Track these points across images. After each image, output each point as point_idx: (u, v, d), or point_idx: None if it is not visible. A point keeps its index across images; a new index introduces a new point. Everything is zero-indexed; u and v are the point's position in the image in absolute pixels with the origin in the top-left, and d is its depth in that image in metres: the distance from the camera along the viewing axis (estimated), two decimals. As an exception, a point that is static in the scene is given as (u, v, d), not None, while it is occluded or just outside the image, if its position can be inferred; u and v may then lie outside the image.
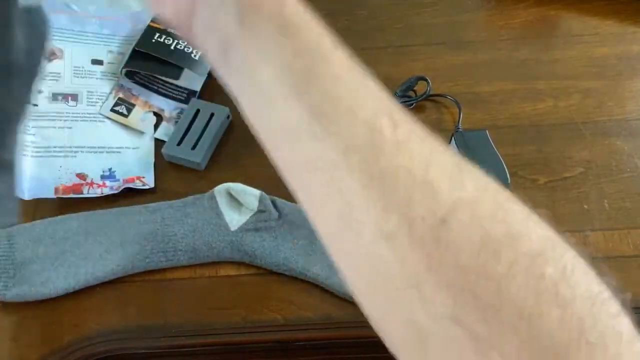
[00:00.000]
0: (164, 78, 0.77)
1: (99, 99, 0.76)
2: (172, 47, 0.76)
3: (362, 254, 0.27)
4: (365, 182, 0.26)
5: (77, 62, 0.78)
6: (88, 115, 0.74)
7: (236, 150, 0.72)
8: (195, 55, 0.76)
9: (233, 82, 0.30)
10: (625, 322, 0.25)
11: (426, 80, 0.74)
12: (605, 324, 0.24)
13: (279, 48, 0.28)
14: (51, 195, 0.67)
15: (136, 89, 0.77)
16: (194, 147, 0.70)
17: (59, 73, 0.77)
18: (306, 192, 0.29)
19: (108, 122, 0.74)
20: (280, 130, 0.29)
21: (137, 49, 0.76)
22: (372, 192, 0.26)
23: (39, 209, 0.68)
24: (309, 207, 0.29)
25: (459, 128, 0.70)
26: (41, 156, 0.69)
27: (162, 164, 0.71)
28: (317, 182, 0.28)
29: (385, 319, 0.27)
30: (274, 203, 0.64)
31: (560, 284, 0.24)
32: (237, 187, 0.65)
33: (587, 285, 0.25)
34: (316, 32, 0.29)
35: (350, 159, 0.26)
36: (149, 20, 0.79)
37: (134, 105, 0.76)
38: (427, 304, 0.25)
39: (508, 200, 0.27)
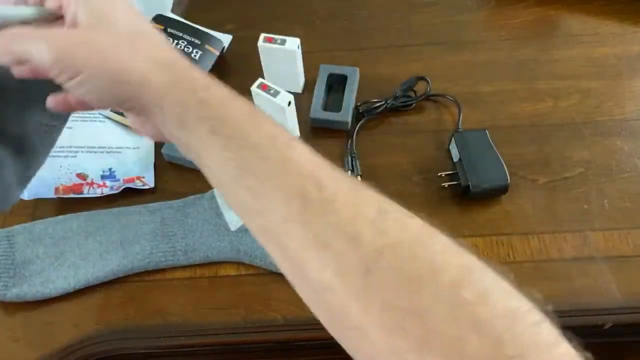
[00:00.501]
0: (164, 78, 0.77)
1: (99, 99, 0.76)
2: (172, 47, 0.76)
3: (316, 300, 0.32)
4: (304, 245, 0.30)
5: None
6: (88, 115, 0.74)
7: (236, 150, 0.72)
8: (195, 56, 0.76)
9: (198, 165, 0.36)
10: (546, 330, 0.27)
11: (426, 80, 0.74)
12: (524, 336, 0.26)
13: (212, 144, 0.34)
14: (51, 195, 0.67)
15: (136, 89, 0.77)
16: (194, 147, 0.70)
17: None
18: (270, 253, 0.34)
19: (108, 122, 0.74)
20: (235, 205, 0.35)
21: (137, 49, 0.76)
22: (311, 252, 0.30)
23: (39, 209, 0.68)
24: (276, 263, 0.34)
25: (459, 128, 0.70)
26: (41, 156, 0.69)
27: (162, 164, 0.71)
28: (272, 247, 0.33)
29: (347, 348, 0.32)
30: (274, 203, 0.64)
31: (477, 307, 0.27)
32: (237, 187, 0.65)
33: (505, 303, 0.27)
34: (240, 122, 0.34)
35: (289, 228, 0.31)
36: (149, 21, 0.79)
37: (134, 106, 0.76)
38: (370, 342, 0.28)
39: (429, 236, 0.30)
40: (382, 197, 0.32)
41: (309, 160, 0.33)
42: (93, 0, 0.37)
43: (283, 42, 0.70)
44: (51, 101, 0.41)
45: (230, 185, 0.34)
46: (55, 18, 0.39)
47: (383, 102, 0.73)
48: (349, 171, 0.69)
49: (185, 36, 0.77)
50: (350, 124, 0.72)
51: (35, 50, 0.35)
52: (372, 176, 0.68)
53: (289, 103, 0.66)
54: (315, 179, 0.31)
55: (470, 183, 0.64)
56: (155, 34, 0.38)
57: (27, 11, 0.37)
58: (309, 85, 0.76)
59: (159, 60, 0.36)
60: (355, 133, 0.71)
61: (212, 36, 0.79)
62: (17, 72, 0.38)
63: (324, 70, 0.74)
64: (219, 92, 0.35)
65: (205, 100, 0.34)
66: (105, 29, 0.36)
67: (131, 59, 0.36)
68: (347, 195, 0.31)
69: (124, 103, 0.37)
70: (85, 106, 0.40)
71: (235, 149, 0.33)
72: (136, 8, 0.39)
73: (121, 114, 0.75)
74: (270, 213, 0.32)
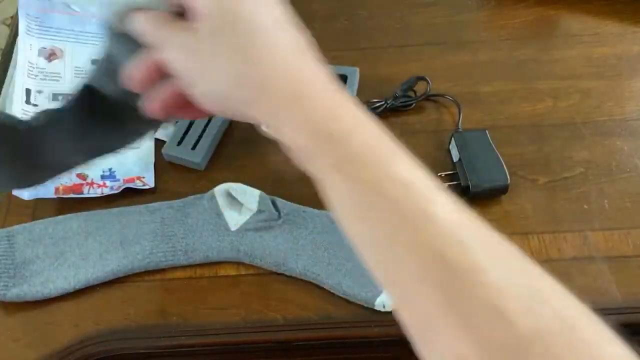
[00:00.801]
0: (164, 78, 0.77)
1: (99, 99, 0.76)
2: (172, 47, 0.76)
3: None
4: (440, 311, 0.27)
5: (78, 62, 0.78)
6: (88, 116, 0.74)
7: (236, 150, 0.72)
8: (195, 56, 0.76)
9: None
10: None
11: (426, 80, 0.74)
12: None
13: (332, 178, 0.30)
14: (51, 195, 0.67)
15: (136, 89, 0.77)
16: (194, 147, 0.70)
17: (59, 73, 0.77)
18: (389, 295, 0.31)
19: (108, 122, 0.74)
20: (357, 242, 0.31)
21: (137, 49, 0.76)
22: (448, 319, 0.27)
23: (39, 209, 0.68)
24: (393, 304, 0.31)
25: (459, 128, 0.70)
26: (41, 156, 0.69)
27: (162, 164, 0.71)
28: (394, 294, 0.30)
29: None
30: (274, 203, 0.64)
31: None
32: (237, 187, 0.65)
33: None
34: (369, 162, 0.29)
35: (423, 290, 0.28)
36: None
37: (134, 106, 0.76)
38: None
39: (585, 321, 0.27)
40: (534, 269, 0.29)
41: (452, 217, 0.29)
42: None
43: (283, 42, 0.70)
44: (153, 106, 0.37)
45: (352, 223, 0.30)
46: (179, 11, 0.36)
47: (383, 102, 0.73)
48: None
49: (185, 36, 0.77)
50: (350, 124, 0.72)
51: (168, 60, 0.34)
52: (372, 176, 0.68)
53: (289, 103, 0.66)
54: (459, 240, 0.28)
55: (470, 183, 0.64)
56: (284, 39, 0.33)
57: (152, 1, 0.35)
58: (309, 85, 0.76)
59: (274, 77, 0.32)
60: (355, 133, 0.71)
61: (212, 36, 0.79)
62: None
63: (324, 70, 0.74)
64: (345, 120, 0.31)
65: (324, 132, 0.30)
66: (225, 33, 0.32)
67: (243, 75, 0.32)
68: (495, 263, 0.28)
69: (237, 117, 0.34)
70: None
71: (361, 191, 0.29)
72: (280, 6, 0.35)
73: (121, 114, 0.75)
74: (399, 269, 0.29)
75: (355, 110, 0.32)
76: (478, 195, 0.64)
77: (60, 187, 0.68)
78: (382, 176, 0.29)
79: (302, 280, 0.61)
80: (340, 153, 0.30)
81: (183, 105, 0.36)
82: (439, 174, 0.67)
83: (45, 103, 0.74)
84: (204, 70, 0.32)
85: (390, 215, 0.29)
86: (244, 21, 0.32)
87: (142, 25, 0.34)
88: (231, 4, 0.32)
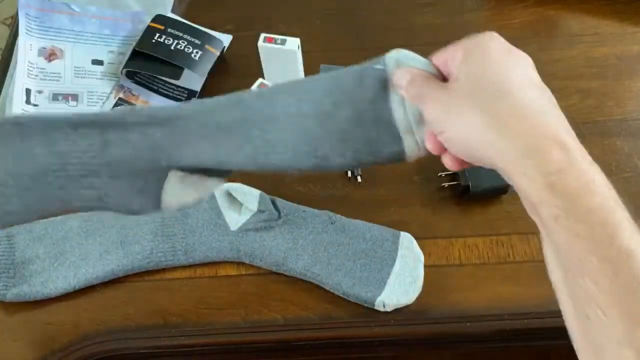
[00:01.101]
0: (164, 78, 0.77)
1: (99, 99, 0.76)
2: (172, 48, 0.76)
3: None
4: None
5: (78, 62, 0.78)
6: (88, 116, 0.74)
7: (236, 150, 0.72)
8: (195, 56, 0.76)
9: None
10: None
11: (426, 80, 0.74)
12: None
13: (555, 230, 0.33)
14: (51, 195, 0.67)
15: (136, 89, 0.77)
16: (194, 147, 0.70)
17: (60, 73, 0.77)
18: (579, 347, 0.33)
19: (108, 122, 0.74)
20: (560, 288, 0.34)
21: (137, 49, 0.76)
22: None
23: (39, 209, 0.68)
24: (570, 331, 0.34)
25: (459, 128, 0.70)
26: (41, 156, 0.69)
27: (162, 164, 0.71)
28: (592, 348, 0.32)
29: None
30: (274, 203, 0.64)
31: None
32: (237, 187, 0.65)
33: None
34: (592, 223, 0.32)
35: (624, 347, 0.30)
36: (149, 21, 0.79)
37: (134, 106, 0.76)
38: None
39: None
40: None
41: None
42: (473, 63, 0.39)
43: (283, 42, 0.70)
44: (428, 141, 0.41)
45: (564, 276, 0.34)
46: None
47: (383, 102, 0.72)
48: (349, 171, 0.68)
49: (185, 36, 0.77)
50: (350, 124, 0.72)
51: (425, 110, 0.39)
52: (373, 176, 0.68)
53: (289, 103, 0.66)
54: None
55: (470, 183, 0.64)
56: (526, 100, 0.37)
57: (422, 63, 0.44)
58: (309, 85, 0.76)
59: (511, 133, 0.35)
60: (355, 133, 0.71)
61: (212, 36, 0.79)
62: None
63: (324, 70, 0.74)
64: (576, 178, 0.34)
65: (555, 187, 0.33)
66: (475, 95, 0.37)
67: (484, 128, 0.36)
68: None
69: (476, 162, 0.38)
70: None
71: (580, 249, 0.32)
72: (532, 71, 0.41)
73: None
74: (601, 325, 0.31)
75: (588, 169, 0.35)
76: (478, 195, 0.64)
77: (60, 187, 0.68)
78: (604, 239, 0.32)
79: (302, 280, 0.61)
80: (566, 208, 0.33)
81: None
82: (439, 174, 0.67)
83: (45, 103, 0.74)
84: (452, 121, 0.38)
85: (606, 279, 0.31)
86: (492, 87, 0.37)
87: (401, 78, 0.42)
88: (483, 72, 0.38)
